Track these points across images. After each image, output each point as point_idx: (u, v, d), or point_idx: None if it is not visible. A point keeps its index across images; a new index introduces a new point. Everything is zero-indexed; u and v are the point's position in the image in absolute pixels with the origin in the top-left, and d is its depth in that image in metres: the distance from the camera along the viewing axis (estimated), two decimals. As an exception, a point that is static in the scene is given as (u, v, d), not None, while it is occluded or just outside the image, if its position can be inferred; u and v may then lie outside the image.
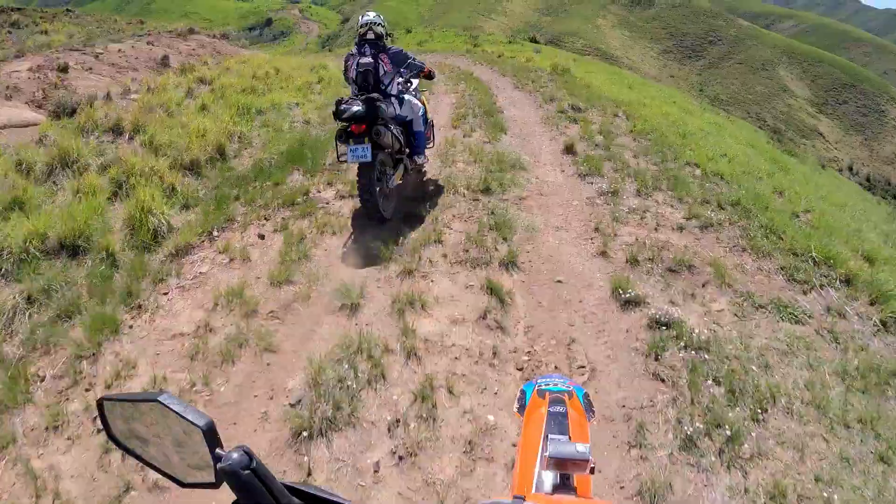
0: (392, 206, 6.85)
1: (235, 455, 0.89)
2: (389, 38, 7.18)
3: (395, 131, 6.54)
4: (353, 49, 6.70)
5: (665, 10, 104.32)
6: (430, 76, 7.32)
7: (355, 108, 5.96)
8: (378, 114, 6.09)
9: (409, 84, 7.39)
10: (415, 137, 7.29)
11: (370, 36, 6.64)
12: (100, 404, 1.10)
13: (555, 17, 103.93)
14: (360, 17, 6.87)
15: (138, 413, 1.07)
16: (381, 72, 6.54)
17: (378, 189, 6.33)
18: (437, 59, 22.35)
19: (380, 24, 6.71)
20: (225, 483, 0.91)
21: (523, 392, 1.78)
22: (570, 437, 1.46)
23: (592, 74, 20.84)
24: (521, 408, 1.73)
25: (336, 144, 6.31)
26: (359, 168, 6.18)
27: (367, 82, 6.51)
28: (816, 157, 55.00)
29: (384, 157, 6.51)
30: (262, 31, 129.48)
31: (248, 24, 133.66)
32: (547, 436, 1.44)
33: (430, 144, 8.21)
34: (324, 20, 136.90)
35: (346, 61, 6.73)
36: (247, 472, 0.88)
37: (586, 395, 1.73)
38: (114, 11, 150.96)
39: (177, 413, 0.95)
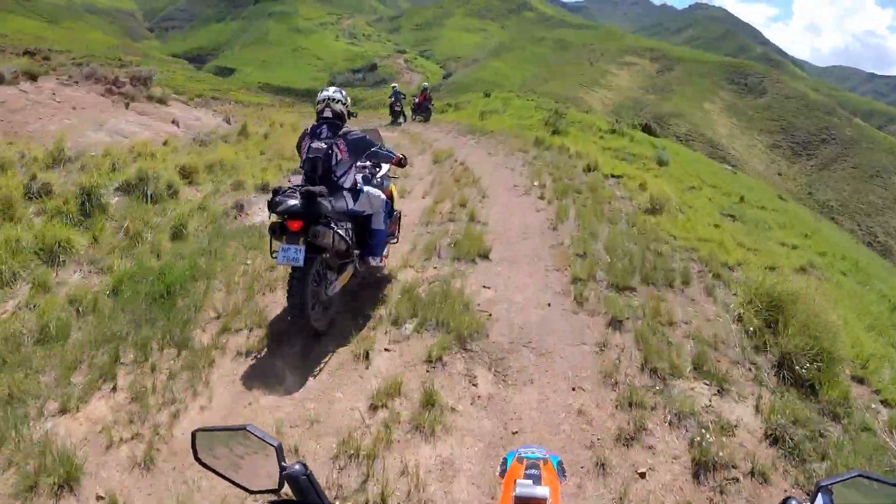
0: (329, 317, 6.20)
1: (297, 466, 1.38)
2: (352, 118, 6.74)
3: (340, 231, 5.90)
4: (309, 127, 6.36)
5: (777, 99, 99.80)
6: (401, 164, 6.98)
7: (291, 203, 5.50)
8: (318, 211, 5.51)
9: (377, 169, 7.28)
10: (371, 236, 6.68)
11: (327, 114, 6.28)
12: (193, 435, 1.55)
13: (660, 96, 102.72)
14: (320, 91, 6.48)
15: (225, 439, 1.55)
16: (334, 160, 6.07)
17: (313, 297, 5.78)
18: (475, 155, 17.52)
19: (340, 100, 6.32)
20: (285, 487, 1.39)
21: (505, 459, 2.02)
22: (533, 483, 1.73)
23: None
24: (503, 472, 1.96)
25: (270, 238, 5.88)
26: (291, 270, 5.63)
27: (315, 171, 6.07)
28: None
29: (326, 258, 5.98)
30: (366, 75, 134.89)
31: (353, 66, 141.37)
32: (514, 481, 1.71)
33: (394, 240, 7.83)
34: (427, 72, 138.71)
35: (300, 140, 6.33)
36: (304, 477, 1.37)
37: (560, 462, 2.00)
38: (219, 36, 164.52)
39: (259, 437, 1.41)
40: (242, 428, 1.43)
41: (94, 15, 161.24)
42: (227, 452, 1.54)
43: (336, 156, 6.03)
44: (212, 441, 1.56)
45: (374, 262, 6.75)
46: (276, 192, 5.66)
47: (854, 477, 1.35)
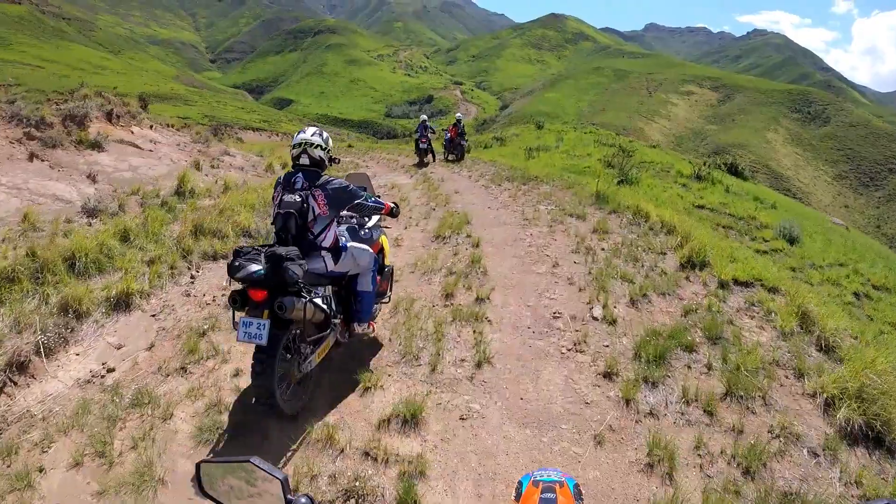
0: (302, 400, 4.98)
1: (303, 499, 1.41)
2: (334, 164, 5.52)
3: (317, 300, 4.82)
4: (282, 176, 5.09)
5: (842, 128, 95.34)
6: (392, 214, 5.72)
7: (254, 268, 4.33)
8: (286, 279, 4.33)
9: (365, 219, 6.03)
10: (357, 299, 5.54)
11: (304, 161, 5.06)
12: (197, 467, 1.58)
13: (721, 126, 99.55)
14: (296, 134, 5.24)
15: (230, 471, 1.55)
16: (311, 215, 4.87)
17: (283, 378, 4.66)
18: (502, 228, 10.99)
19: (318, 144, 5.09)
20: None
21: (520, 483, 1.92)
22: None
23: None
24: (518, 496, 1.87)
25: (231, 309, 4.67)
26: (255, 348, 4.48)
27: (286, 230, 4.84)
28: None
29: (298, 333, 4.83)
30: (422, 106, 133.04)
31: (410, 98, 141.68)
32: None
33: (385, 300, 6.43)
34: (484, 104, 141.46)
35: (274, 188, 5.13)
36: None
37: (577, 485, 1.87)
38: (277, 68, 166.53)
39: (264, 470, 1.45)
40: (247, 460, 1.49)
41: (156, 46, 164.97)
42: (232, 485, 1.57)
43: (313, 210, 4.91)
44: (216, 473, 1.60)
45: (360, 328, 5.66)
46: (237, 253, 4.47)
47: None
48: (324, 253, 5.01)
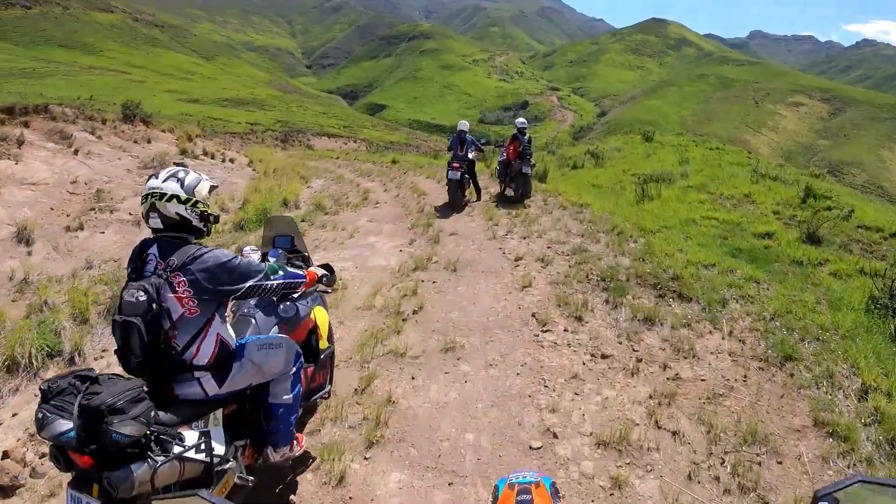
0: None
1: None
2: (210, 223, 3.21)
3: (183, 454, 2.64)
4: (135, 249, 3.10)
5: None
6: (322, 283, 3.82)
7: (62, 427, 2.42)
8: (109, 444, 2.39)
9: (290, 294, 3.82)
10: (270, 416, 3.49)
11: (154, 224, 3.01)
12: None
13: (833, 142, 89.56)
14: (148, 179, 3.07)
15: None
16: (168, 322, 2.91)
17: None
18: None
19: (175, 195, 2.98)
20: None
21: (496, 487, 1.80)
22: None
23: None
24: (495, 500, 1.76)
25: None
26: None
27: (130, 349, 2.81)
28: None
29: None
30: (517, 112, 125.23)
31: (505, 103, 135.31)
32: None
33: (324, 394, 4.40)
34: (581, 110, 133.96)
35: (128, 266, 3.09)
36: None
37: (553, 484, 1.78)
38: (370, 73, 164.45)
39: (212, 503, 1.30)
40: (194, 494, 1.40)
41: (252, 52, 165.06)
42: None
43: (170, 312, 2.95)
44: None
45: (277, 455, 3.62)
46: (44, 394, 2.59)
47: (854, 483, 1.27)
48: (199, 374, 3.04)
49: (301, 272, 3.53)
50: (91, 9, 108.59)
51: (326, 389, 4.53)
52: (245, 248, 4.29)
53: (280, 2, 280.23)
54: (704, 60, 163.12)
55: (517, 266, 8.24)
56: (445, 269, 8.29)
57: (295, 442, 3.75)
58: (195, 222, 3.08)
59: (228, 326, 3.30)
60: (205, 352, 3.04)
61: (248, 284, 3.08)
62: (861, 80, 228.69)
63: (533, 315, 6.61)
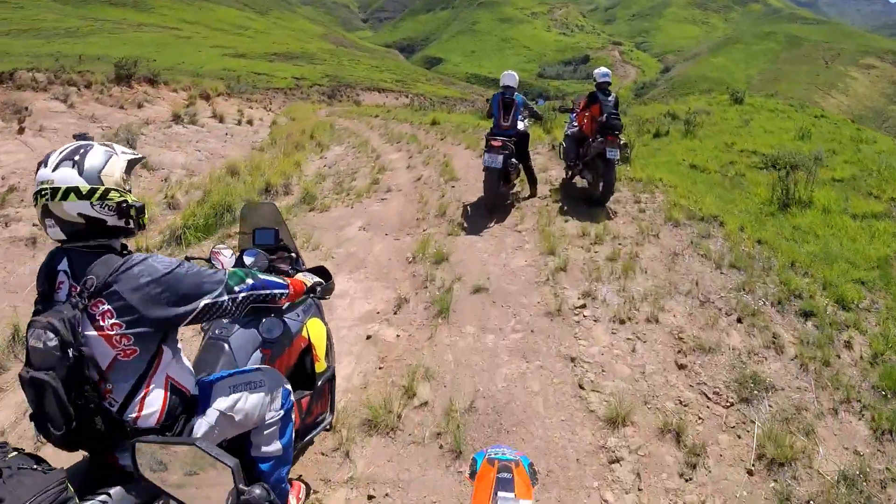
0: None
1: (258, 490, 1.14)
2: (141, 218, 2.07)
3: None
4: (42, 265, 2.02)
5: None
6: (319, 292, 2.74)
7: None
8: None
9: (267, 309, 2.47)
10: (254, 474, 2.43)
11: (54, 234, 1.94)
12: (133, 445, 1.34)
13: None
14: (37, 169, 1.95)
15: (171, 454, 1.24)
16: (95, 372, 1.85)
17: None
18: None
19: (74, 188, 1.88)
20: None
21: (474, 460, 1.68)
22: (515, 496, 1.48)
23: None
24: (473, 473, 1.65)
25: None
26: None
27: (44, 412, 1.82)
28: None
29: None
30: (578, 67, 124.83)
31: (565, 58, 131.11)
32: (496, 493, 1.48)
33: (326, 425, 3.33)
34: (643, 66, 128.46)
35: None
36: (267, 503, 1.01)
37: (531, 465, 1.68)
38: (427, 27, 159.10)
39: (211, 455, 1.16)
40: (192, 442, 1.23)
41: (308, 6, 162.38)
42: (175, 469, 1.29)
43: (97, 354, 1.87)
44: (156, 455, 1.32)
45: None
46: None
47: None
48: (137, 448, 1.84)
49: (281, 279, 2.34)
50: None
51: (328, 420, 3.34)
52: (215, 248, 3.09)
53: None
54: (772, 17, 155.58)
55: (619, 461, 3.39)
56: (441, 446, 3.55)
57: (291, 497, 2.78)
58: (112, 221, 1.96)
59: (185, 361, 2.20)
60: (152, 407, 1.99)
61: (201, 304, 1.99)
62: None
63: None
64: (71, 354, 1.77)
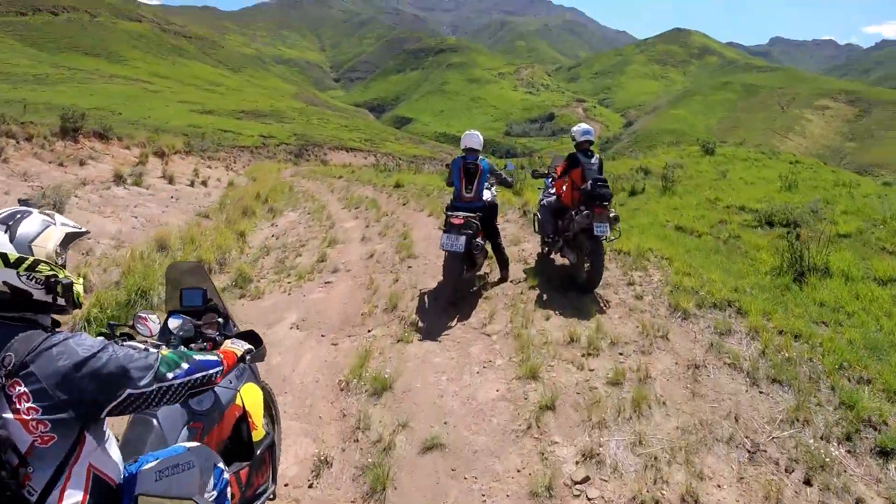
0: None
1: None
2: (70, 296, 1.88)
3: None
4: None
5: None
6: (249, 360, 2.53)
7: None
8: None
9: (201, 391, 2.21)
10: None
11: None
12: (136, 499, 1.42)
13: (861, 144, 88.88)
14: None
15: None
16: (14, 457, 1.66)
17: None
18: None
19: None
20: None
21: None
22: None
23: None
24: None
25: None
26: None
27: None
28: None
29: None
30: (544, 125, 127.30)
31: (531, 116, 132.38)
32: None
33: (269, 495, 3.08)
34: (607, 121, 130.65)
35: None
36: None
37: None
38: (398, 87, 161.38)
39: None
40: (189, 498, 1.26)
41: (281, 66, 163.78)
42: None
43: (14, 439, 1.68)
44: None
45: None
46: None
47: None
48: None
49: (214, 356, 2.16)
50: (119, 17, 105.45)
51: (270, 490, 3.13)
52: (140, 313, 2.75)
53: (311, 16, 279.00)
54: (728, 68, 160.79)
55: None
56: None
57: None
58: (38, 295, 1.83)
59: (113, 448, 1.98)
60: (72, 499, 1.78)
61: (124, 394, 1.80)
62: (883, 80, 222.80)
63: None
64: None
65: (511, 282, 6.61)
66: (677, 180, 15.23)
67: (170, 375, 1.87)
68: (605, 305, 5.74)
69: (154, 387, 1.82)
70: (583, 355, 4.69)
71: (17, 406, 1.63)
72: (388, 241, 9.33)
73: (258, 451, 2.92)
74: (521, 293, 6.22)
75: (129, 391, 1.78)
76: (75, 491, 1.74)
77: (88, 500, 1.77)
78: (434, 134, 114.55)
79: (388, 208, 12.47)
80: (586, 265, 6.01)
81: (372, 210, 12.53)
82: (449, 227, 5.89)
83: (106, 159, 17.27)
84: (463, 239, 5.76)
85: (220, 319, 3.06)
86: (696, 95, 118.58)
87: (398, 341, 5.29)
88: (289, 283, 7.65)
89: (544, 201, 7.20)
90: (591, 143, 6.74)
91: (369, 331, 5.72)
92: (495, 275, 6.83)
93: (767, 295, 5.96)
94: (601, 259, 5.96)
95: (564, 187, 6.69)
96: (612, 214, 6.06)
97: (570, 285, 6.26)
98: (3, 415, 1.63)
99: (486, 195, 6.58)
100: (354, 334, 5.71)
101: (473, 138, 6.56)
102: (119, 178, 15.13)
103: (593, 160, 6.53)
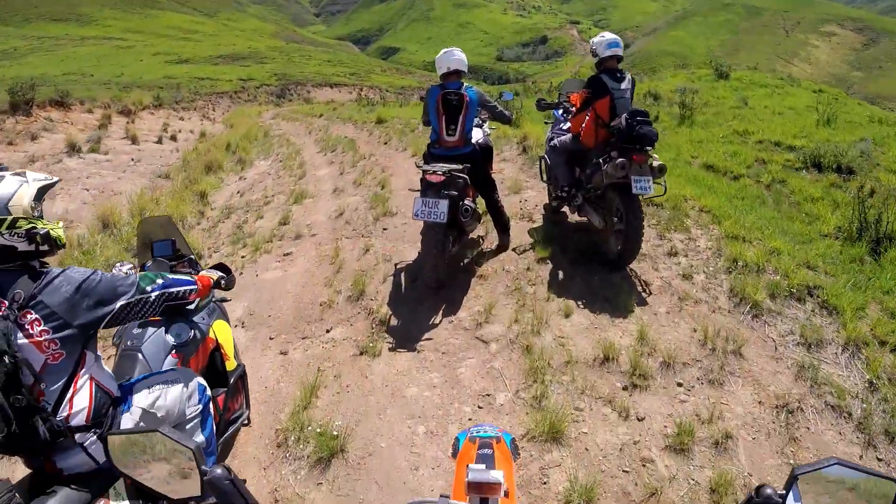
0: None
1: (219, 471, 1.09)
2: (52, 242, 2.15)
3: None
4: None
5: None
6: (224, 284, 2.81)
7: None
8: None
9: (180, 307, 2.76)
10: None
11: None
12: (104, 440, 1.46)
13: (867, 74, 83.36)
14: None
15: (139, 444, 1.22)
16: (30, 376, 1.96)
17: None
18: None
19: None
20: (209, 493, 1.09)
21: (457, 439, 1.72)
22: (486, 467, 1.39)
23: None
24: (455, 452, 1.68)
25: None
26: None
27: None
28: None
29: None
30: (537, 48, 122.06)
31: (523, 40, 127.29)
32: (467, 465, 1.40)
33: (245, 420, 3.34)
34: None
35: None
36: (227, 482, 1.07)
37: (513, 440, 1.70)
38: (382, 17, 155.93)
39: (172, 439, 1.15)
40: (154, 430, 1.24)
41: (259, 5, 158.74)
42: (145, 458, 1.29)
43: (30, 360, 2.00)
44: (127, 446, 1.31)
45: None
46: None
47: (831, 465, 1.21)
48: (81, 437, 2.13)
49: (188, 276, 2.53)
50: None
51: (245, 415, 3.41)
52: (116, 265, 3.01)
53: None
54: None
55: None
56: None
57: None
58: (22, 247, 2.08)
59: (106, 367, 2.39)
60: (79, 406, 2.13)
61: (118, 304, 2.19)
62: (891, 10, 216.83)
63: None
64: (7, 361, 1.89)
65: (513, 250, 5.10)
66: (695, 108, 13.50)
67: (149, 289, 2.24)
68: (645, 290, 4.25)
69: (139, 297, 2.20)
70: (625, 387, 3.26)
71: (30, 331, 1.94)
72: (362, 193, 7.77)
73: (231, 380, 3.18)
74: (528, 269, 4.72)
75: (121, 302, 2.14)
76: (82, 398, 2.08)
77: (94, 405, 2.10)
78: (422, 63, 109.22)
79: (367, 150, 10.86)
80: (616, 233, 4.48)
81: (349, 153, 10.92)
82: (426, 188, 4.30)
83: (63, 128, 15.83)
84: (445, 204, 4.18)
85: (192, 257, 3.36)
86: (696, 16, 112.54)
87: (361, 353, 3.85)
88: (243, 257, 6.16)
89: (555, 141, 5.39)
90: (619, 59, 5.02)
91: (327, 331, 4.28)
92: (492, 239, 5.31)
93: (847, 275, 4.42)
94: (640, 225, 4.32)
95: (585, 123, 4.97)
96: (655, 164, 4.38)
97: (593, 255, 4.75)
98: (18, 341, 1.91)
99: (477, 136, 4.99)
100: (309, 335, 4.26)
101: (453, 57, 4.82)
102: (73, 148, 13.74)
103: (624, 84, 4.85)
